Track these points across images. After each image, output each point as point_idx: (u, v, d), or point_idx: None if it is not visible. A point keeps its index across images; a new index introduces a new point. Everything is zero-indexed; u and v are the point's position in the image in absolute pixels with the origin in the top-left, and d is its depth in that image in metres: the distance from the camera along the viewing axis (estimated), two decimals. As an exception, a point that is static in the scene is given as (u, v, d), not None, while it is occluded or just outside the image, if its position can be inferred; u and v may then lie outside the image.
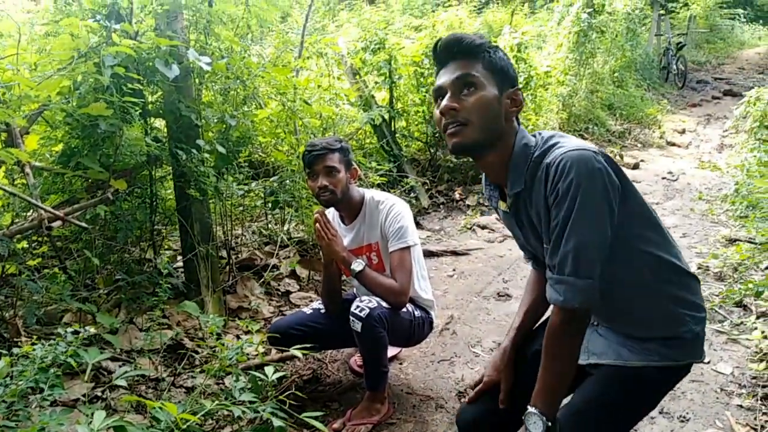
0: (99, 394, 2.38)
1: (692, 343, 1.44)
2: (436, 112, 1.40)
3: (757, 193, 4.45)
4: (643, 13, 11.96)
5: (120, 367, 2.46)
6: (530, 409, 1.36)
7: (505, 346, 1.67)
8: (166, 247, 3.70)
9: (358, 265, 2.31)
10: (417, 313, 2.45)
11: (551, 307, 1.37)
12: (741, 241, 4.21)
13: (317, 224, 2.30)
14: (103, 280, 3.04)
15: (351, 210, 2.48)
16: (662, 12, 14.41)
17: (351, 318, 2.20)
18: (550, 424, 1.34)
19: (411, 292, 2.44)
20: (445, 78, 1.38)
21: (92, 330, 2.19)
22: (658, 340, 1.42)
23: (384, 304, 2.26)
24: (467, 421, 1.66)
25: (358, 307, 2.20)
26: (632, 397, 1.43)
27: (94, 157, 2.77)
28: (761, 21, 22.53)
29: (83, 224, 2.32)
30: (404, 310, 2.37)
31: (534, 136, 1.43)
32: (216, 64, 2.94)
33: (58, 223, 2.27)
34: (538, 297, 1.69)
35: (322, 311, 2.56)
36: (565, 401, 1.45)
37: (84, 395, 2.21)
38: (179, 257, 3.52)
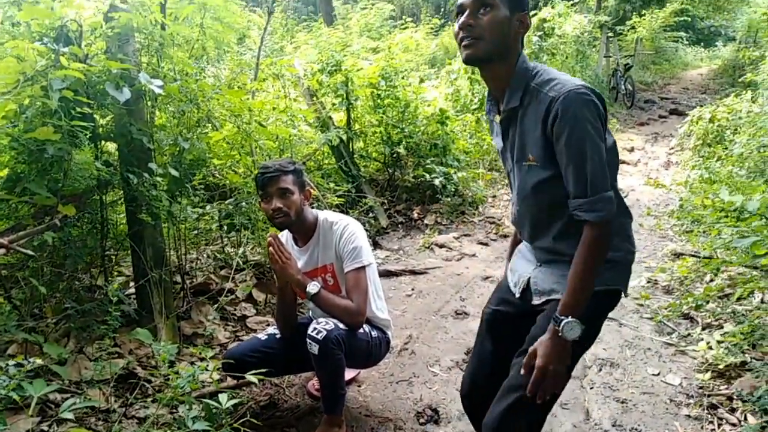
0: (45, 428, 2.29)
1: (623, 269, 1.67)
2: (455, 26, 1.58)
3: (699, 209, 4.64)
4: (592, 35, 12.41)
5: (69, 399, 2.38)
6: (563, 317, 1.51)
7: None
8: (117, 273, 3.61)
9: (313, 287, 2.31)
10: (374, 333, 2.45)
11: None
12: (687, 255, 4.37)
13: (270, 248, 2.29)
14: (52, 308, 2.94)
15: (305, 232, 2.48)
16: (610, 34, 14.97)
17: (308, 341, 2.19)
18: (584, 327, 1.51)
19: (367, 313, 2.44)
20: None
21: (38, 361, 2.13)
22: None
23: (341, 325, 2.26)
24: (466, 391, 1.92)
25: (314, 329, 2.20)
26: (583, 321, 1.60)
27: (42, 182, 2.69)
28: (702, 44, 23.68)
29: (29, 252, 2.25)
30: (361, 331, 2.37)
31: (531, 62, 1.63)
32: (168, 87, 2.91)
33: (2, 251, 2.20)
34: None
35: (278, 336, 2.54)
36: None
37: (29, 430, 2.12)
38: (131, 283, 3.44)
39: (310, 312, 2.72)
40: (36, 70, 2.54)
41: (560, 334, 1.51)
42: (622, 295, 1.71)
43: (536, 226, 1.70)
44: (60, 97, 2.49)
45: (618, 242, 1.64)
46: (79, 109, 2.60)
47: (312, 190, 2.50)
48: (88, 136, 2.69)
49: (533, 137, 1.55)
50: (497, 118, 1.69)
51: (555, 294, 1.66)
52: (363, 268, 2.38)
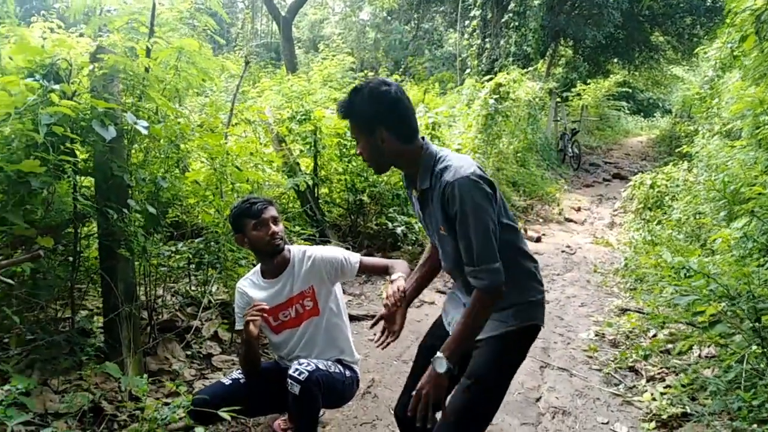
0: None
1: (537, 308, 1.98)
2: None
3: (643, 268, 4.96)
4: (542, 101, 13.15)
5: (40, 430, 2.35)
6: (439, 354, 1.82)
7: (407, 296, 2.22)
8: (80, 307, 3.57)
9: None
10: (347, 373, 2.55)
11: (472, 293, 1.84)
12: (631, 310, 4.65)
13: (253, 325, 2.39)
14: (15, 339, 2.90)
15: (281, 262, 2.57)
16: (559, 100, 15.88)
17: (289, 381, 2.24)
18: (452, 366, 1.81)
19: (342, 354, 2.56)
20: None
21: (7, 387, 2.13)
22: (513, 307, 1.92)
23: (321, 366, 2.34)
24: (399, 411, 2.21)
25: (296, 370, 2.26)
26: (504, 359, 1.94)
27: (19, 213, 2.71)
28: (642, 114, 25.28)
29: (9, 281, 2.27)
30: (337, 371, 2.46)
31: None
32: (153, 128, 3.01)
33: (-17, 279, 2.21)
34: (431, 264, 2.26)
35: (242, 381, 2.54)
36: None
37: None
38: (95, 317, 3.42)
39: (275, 357, 2.77)
40: (26, 105, 2.61)
41: (433, 366, 1.83)
42: (541, 327, 2.02)
43: (465, 282, 1.94)
44: (47, 132, 2.56)
45: (532, 285, 1.99)
46: (68, 144, 2.67)
47: None
48: (72, 170, 2.74)
49: (439, 213, 1.86)
50: (415, 193, 2.02)
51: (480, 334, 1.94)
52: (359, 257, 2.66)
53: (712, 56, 8.15)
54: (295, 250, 2.63)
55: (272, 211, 2.51)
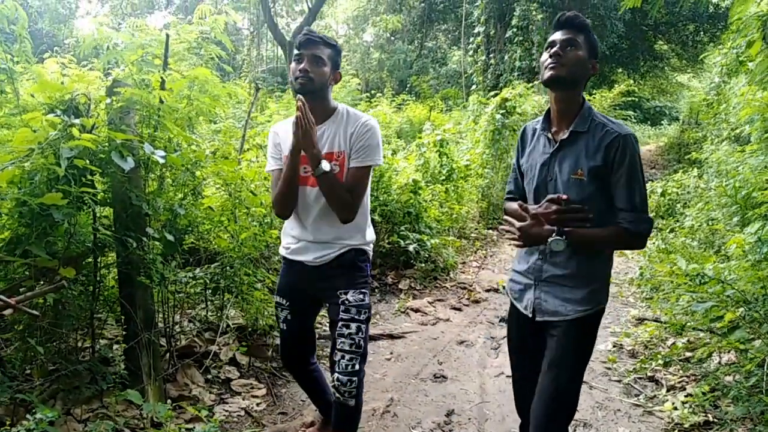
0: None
1: (607, 291, 2.11)
2: (545, 54, 2.04)
3: (658, 276, 4.94)
4: (549, 113, 13.16)
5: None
6: (558, 237, 1.94)
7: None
8: (100, 335, 3.62)
9: (326, 164, 2.24)
10: (363, 289, 2.50)
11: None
12: (648, 320, 4.63)
13: (299, 111, 2.17)
14: (38, 370, 2.95)
15: (322, 111, 2.39)
16: (565, 112, 15.89)
17: (338, 396, 2.41)
18: (568, 243, 1.95)
19: (362, 236, 2.49)
20: (557, 36, 2.03)
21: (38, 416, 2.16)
22: (593, 289, 2.03)
23: (357, 363, 2.39)
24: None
25: (345, 392, 2.39)
26: (587, 339, 2.08)
27: (41, 245, 2.78)
28: (649, 122, 25.26)
29: (35, 312, 2.32)
30: (363, 305, 2.44)
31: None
32: (170, 157, 3.08)
33: (9, 311, 2.26)
34: None
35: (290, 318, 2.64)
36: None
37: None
38: (115, 345, 3.46)
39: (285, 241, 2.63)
40: (48, 140, 2.69)
41: (549, 245, 1.97)
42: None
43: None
44: (68, 165, 2.63)
45: (608, 271, 2.13)
46: (88, 176, 2.74)
47: (341, 74, 2.46)
48: (93, 202, 2.81)
49: (590, 158, 1.98)
50: (549, 135, 2.11)
51: (558, 316, 2.05)
52: (369, 168, 2.39)
53: (718, 62, 8.17)
54: (346, 108, 2.43)
55: (318, 50, 2.30)
